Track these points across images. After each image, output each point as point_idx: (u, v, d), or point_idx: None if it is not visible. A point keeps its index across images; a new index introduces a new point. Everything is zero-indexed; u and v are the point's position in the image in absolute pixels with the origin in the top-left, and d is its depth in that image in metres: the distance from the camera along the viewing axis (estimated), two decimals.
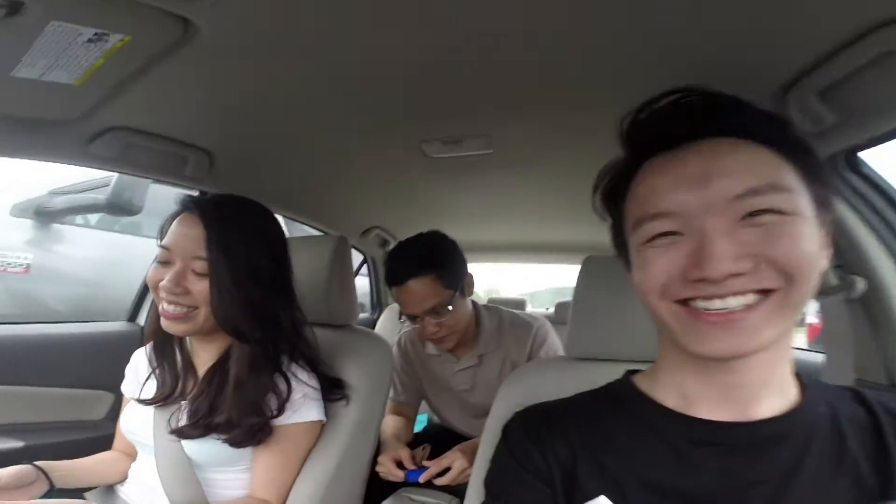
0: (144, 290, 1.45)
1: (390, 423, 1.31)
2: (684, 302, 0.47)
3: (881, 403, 0.52)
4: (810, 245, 0.45)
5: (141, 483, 0.88)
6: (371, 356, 1.03)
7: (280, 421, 0.82)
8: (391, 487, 1.13)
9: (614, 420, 0.57)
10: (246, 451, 0.83)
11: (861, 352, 0.91)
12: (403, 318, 1.25)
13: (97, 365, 1.30)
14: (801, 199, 0.46)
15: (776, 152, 0.47)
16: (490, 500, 0.59)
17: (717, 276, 0.44)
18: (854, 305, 0.88)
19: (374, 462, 1.06)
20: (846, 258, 0.86)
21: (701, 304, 0.46)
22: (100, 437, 1.24)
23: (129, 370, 0.97)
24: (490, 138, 1.10)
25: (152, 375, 0.89)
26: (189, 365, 0.89)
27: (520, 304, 3.03)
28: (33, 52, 0.60)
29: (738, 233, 0.45)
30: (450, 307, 1.17)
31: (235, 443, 0.79)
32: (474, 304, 1.35)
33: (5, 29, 0.55)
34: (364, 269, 2.54)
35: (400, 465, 1.06)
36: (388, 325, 2.13)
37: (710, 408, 0.52)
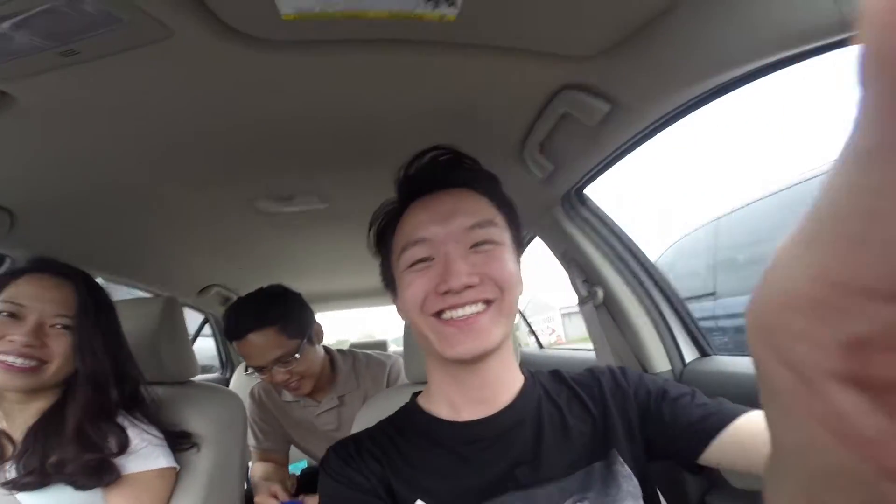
0: None
1: (258, 469, 1.35)
2: (437, 315, 0.60)
3: (573, 379, 0.70)
4: (514, 268, 0.62)
5: None
6: (216, 406, 1.05)
7: (130, 469, 0.85)
8: None
9: (407, 439, 0.67)
10: (97, 500, 0.83)
11: (615, 346, 1.17)
12: (250, 370, 1.25)
13: None
14: (507, 236, 0.64)
15: (491, 202, 0.66)
16: None
17: (458, 287, 0.58)
18: (601, 310, 1.14)
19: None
20: (587, 273, 1.14)
21: (448, 314, 0.59)
22: None
23: None
24: (321, 194, 1.22)
25: None
26: None
27: (381, 344, 3.26)
28: None
29: (469, 257, 0.60)
30: (297, 355, 1.19)
31: (79, 484, 0.80)
32: (327, 349, 1.39)
33: None
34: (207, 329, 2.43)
35: (276, 498, 1.09)
36: (243, 382, 2.05)
37: (470, 411, 0.65)
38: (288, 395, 1.37)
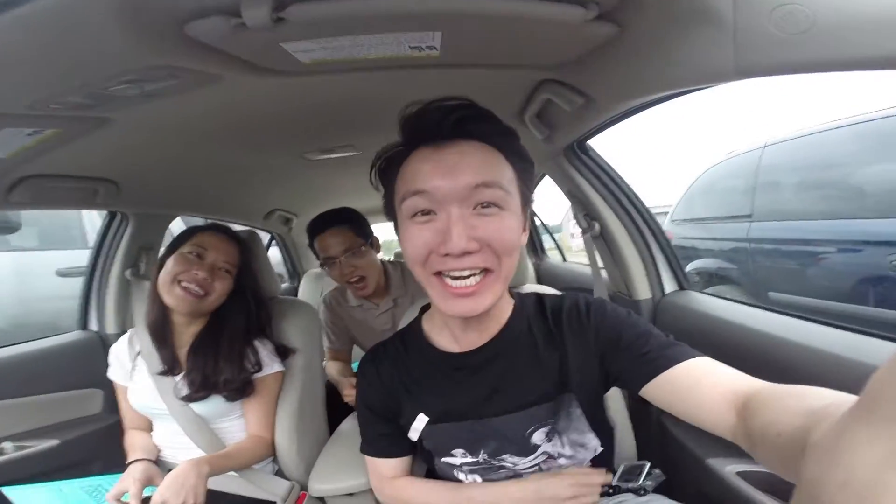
0: (86, 300, 1.64)
1: (333, 367, 1.65)
2: (438, 274, 0.64)
3: (552, 309, 0.76)
4: (515, 235, 0.64)
5: (175, 444, 1.12)
6: (299, 318, 1.32)
7: (257, 375, 1.14)
8: (347, 411, 1.44)
9: (412, 358, 0.80)
10: (237, 404, 1.13)
11: (610, 272, 1.36)
12: (323, 264, 1.56)
13: (74, 369, 1.50)
14: (513, 199, 0.64)
15: (504, 157, 0.65)
16: (364, 438, 0.86)
17: (456, 252, 0.60)
18: (599, 240, 1.32)
19: (327, 394, 1.38)
20: (587, 209, 1.29)
21: (448, 279, 0.63)
22: (105, 426, 1.46)
23: (113, 360, 1.19)
24: (356, 146, 1.41)
25: (139, 357, 1.15)
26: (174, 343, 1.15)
27: None
28: None
29: (471, 219, 0.61)
30: (362, 248, 1.51)
31: (232, 398, 1.10)
32: (381, 261, 1.68)
33: None
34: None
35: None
36: (310, 288, 2.46)
37: (466, 341, 0.75)
38: (353, 300, 1.69)
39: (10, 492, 0.97)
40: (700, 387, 0.57)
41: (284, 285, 2.93)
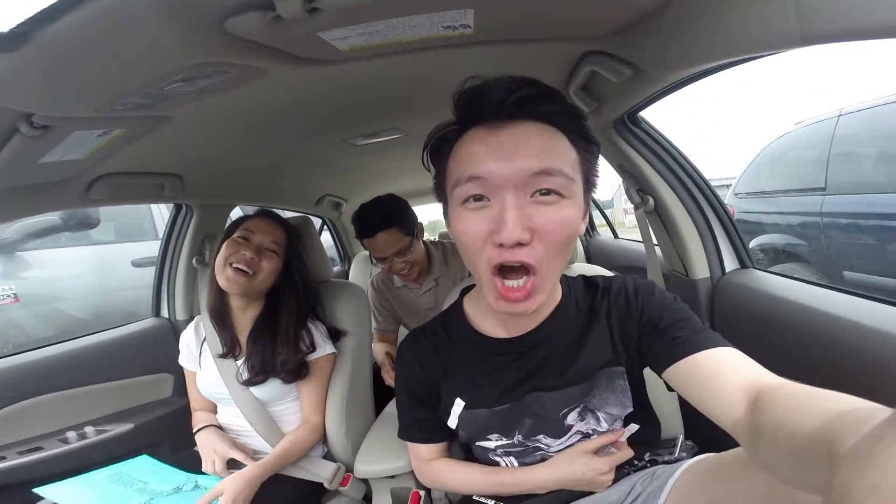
0: (158, 289, 1.77)
1: (379, 348, 1.69)
2: (497, 271, 0.60)
3: (598, 289, 0.75)
4: (574, 226, 0.59)
5: (235, 426, 1.19)
6: (350, 300, 1.36)
7: (311, 357, 1.18)
8: (393, 393, 1.51)
9: (454, 342, 0.79)
10: (292, 386, 1.18)
11: (665, 250, 1.30)
12: (375, 261, 1.60)
13: (148, 355, 1.62)
14: (576, 186, 0.59)
15: (569, 139, 0.59)
16: (401, 422, 0.88)
17: (509, 243, 0.55)
18: (653, 216, 1.25)
19: (374, 376, 1.42)
20: (640, 184, 1.23)
21: (506, 280, 0.60)
22: (174, 409, 1.57)
23: (183, 347, 1.26)
24: (401, 129, 1.41)
25: (204, 343, 1.21)
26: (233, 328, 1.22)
27: None
28: (58, 148, 0.89)
29: (527, 207, 0.56)
30: (411, 249, 1.53)
31: (288, 380, 1.15)
32: (423, 241, 1.70)
33: (39, 137, 0.84)
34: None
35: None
36: (360, 270, 2.52)
37: (511, 329, 0.74)
38: (397, 281, 1.73)
39: (42, 491, 1.02)
40: (718, 376, 0.56)
41: (336, 268, 3.01)
